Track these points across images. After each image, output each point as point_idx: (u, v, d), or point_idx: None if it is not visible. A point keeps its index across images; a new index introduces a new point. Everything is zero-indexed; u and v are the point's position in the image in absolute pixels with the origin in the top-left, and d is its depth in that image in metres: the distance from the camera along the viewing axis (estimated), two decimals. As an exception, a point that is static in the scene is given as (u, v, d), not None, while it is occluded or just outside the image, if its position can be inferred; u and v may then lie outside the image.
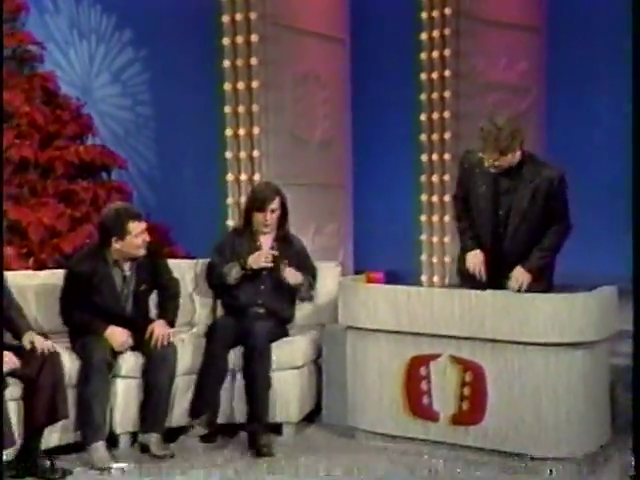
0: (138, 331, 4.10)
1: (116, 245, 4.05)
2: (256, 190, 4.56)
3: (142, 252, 4.10)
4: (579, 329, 3.70)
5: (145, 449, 4.00)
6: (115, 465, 3.75)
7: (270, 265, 4.32)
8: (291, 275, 4.34)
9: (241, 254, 4.38)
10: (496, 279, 3.95)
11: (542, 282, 3.95)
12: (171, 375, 4.07)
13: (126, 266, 4.13)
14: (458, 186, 4.16)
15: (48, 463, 3.73)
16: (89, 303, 4.07)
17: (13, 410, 3.66)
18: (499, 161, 3.83)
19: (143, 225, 4.09)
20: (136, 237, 4.04)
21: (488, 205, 3.96)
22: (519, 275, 3.89)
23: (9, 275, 4.05)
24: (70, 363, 3.89)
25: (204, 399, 4.13)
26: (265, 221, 4.38)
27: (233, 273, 4.33)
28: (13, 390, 3.65)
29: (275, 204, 4.37)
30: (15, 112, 5.24)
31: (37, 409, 3.64)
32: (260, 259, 4.31)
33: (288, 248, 4.44)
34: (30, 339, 3.67)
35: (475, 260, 4.02)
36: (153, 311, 4.30)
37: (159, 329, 4.08)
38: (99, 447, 3.86)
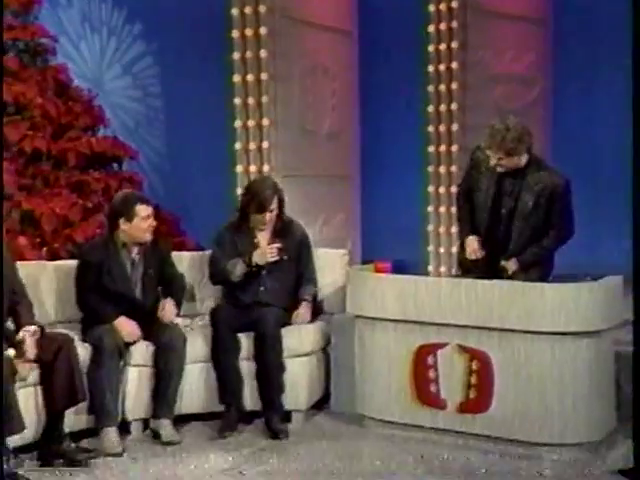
0: (148, 316, 4.16)
1: (124, 227, 4.12)
2: (254, 190, 4.34)
3: (148, 237, 4.16)
4: (585, 318, 3.69)
5: (156, 435, 4.02)
6: None
7: (276, 258, 4.27)
8: (302, 316, 4.34)
9: (241, 251, 4.33)
10: (492, 274, 3.97)
11: (533, 274, 3.97)
12: (180, 363, 4.11)
13: (134, 250, 4.20)
14: (464, 179, 4.20)
15: (73, 446, 3.77)
16: (102, 289, 4.12)
17: (31, 395, 3.70)
18: (503, 161, 3.87)
19: (150, 210, 4.17)
20: (143, 220, 4.11)
21: (490, 203, 3.99)
22: (509, 264, 3.97)
23: (22, 265, 4.06)
24: (83, 350, 3.92)
25: (227, 386, 4.15)
26: (264, 221, 4.33)
27: (237, 270, 4.28)
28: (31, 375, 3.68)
29: (274, 204, 4.31)
30: (28, 104, 5.24)
31: (56, 393, 3.69)
32: (266, 255, 4.26)
33: (288, 240, 4.38)
34: (22, 339, 3.63)
35: (472, 245, 4.04)
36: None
37: (169, 305, 4.15)
38: (111, 433, 3.89)
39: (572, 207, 4.00)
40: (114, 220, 4.16)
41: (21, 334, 3.64)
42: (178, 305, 4.28)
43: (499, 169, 3.92)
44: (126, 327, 4.07)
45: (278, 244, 4.29)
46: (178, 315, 4.26)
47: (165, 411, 4.04)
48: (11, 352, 3.60)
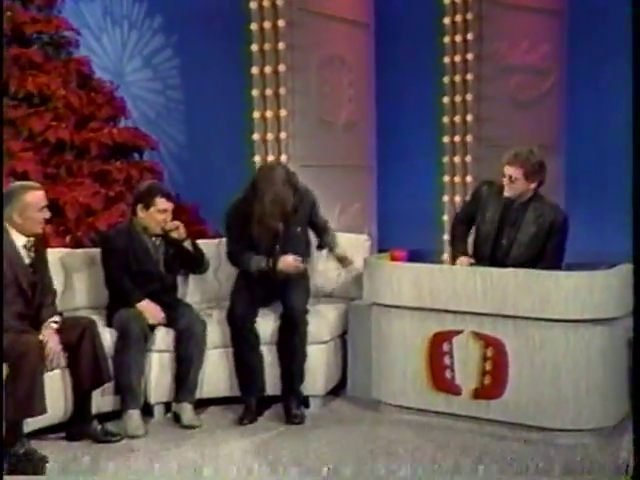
0: (169, 301, 4.21)
1: (140, 214, 4.18)
2: (272, 194, 4.08)
3: (159, 231, 4.21)
4: (599, 306, 3.67)
5: (178, 419, 4.05)
6: None
7: (299, 271, 4.21)
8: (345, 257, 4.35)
9: (257, 240, 4.19)
10: None
11: None
12: (200, 348, 4.13)
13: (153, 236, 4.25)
14: (464, 209, 4.33)
15: (100, 427, 3.83)
16: (129, 271, 4.16)
17: (59, 377, 3.74)
18: (518, 183, 3.93)
19: (168, 205, 4.19)
20: (159, 213, 4.15)
21: (493, 232, 4.04)
22: None
23: (51, 252, 4.10)
24: (108, 335, 3.97)
25: (247, 378, 4.16)
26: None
27: (261, 266, 4.19)
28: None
29: (290, 205, 4.16)
30: (52, 95, 5.25)
31: (82, 374, 3.75)
32: (290, 268, 4.18)
33: (299, 214, 4.26)
34: (46, 337, 3.66)
35: (462, 264, 4.05)
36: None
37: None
38: (134, 415, 3.93)
39: (565, 244, 4.06)
40: (134, 206, 4.23)
41: (45, 334, 3.67)
42: (197, 252, 4.31)
43: (507, 192, 3.97)
44: (150, 309, 4.10)
45: (302, 265, 4.21)
46: (196, 247, 4.32)
47: (186, 395, 4.07)
48: (42, 337, 3.64)
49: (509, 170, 3.94)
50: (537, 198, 4.04)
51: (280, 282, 4.22)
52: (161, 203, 4.16)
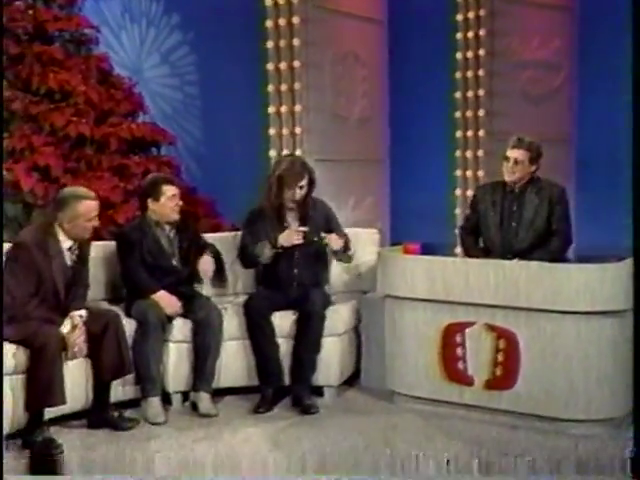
0: (186, 292, 4.21)
1: (152, 207, 4.19)
2: (284, 167, 4.22)
3: (175, 216, 4.22)
4: (609, 298, 3.65)
5: (196, 407, 4.06)
6: None
7: (301, 242, 4.19)
8: (334, 241, 4.23)
9: (270, 232, 4.24)
10: None
11: None
12: (217, 339, 4.13)
13: (167, 228, 4.25)
14: (467, 218, 4.38)
15: (117, 414, 3.85)
16: (143, 264, 4.16)
17: (82, 366, 3.77)
18: (522, 165, 3.98)
19: (176, 190, 4.23)
20: (169, 200, 4.18)
21: (498, 219, 4.10)
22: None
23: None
24: (128, 325, 3.97)
25: (264, 367, 4.16)
26: (293, 198, 4.23)
27: (265, 253, 4.22)
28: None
29: (304, 181, 4.21)
30: (73, 91, 5.26)
31: (104, 366, 3.77)
32: (291, 238, 4.19)
33: (316, 221, 4.31)
34: (71, 325, 3.69)
35: None
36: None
37: (207, 258, 4.22)
38: (154, 402, 3.95)
39: (569, 214, 4.11)
40: (144, 201, 4.24)
41: (66, 327, 3.68)
42: (220, 269, 4.33)
43: (508, 177, 4.03)
44: (166, 300, 4.11)
45: (304, 227, 4.21)
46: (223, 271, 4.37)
47: (204, 384, 4.08)
48: (64, 329, 3.65)
49: (515, 153, 3.99)
50: (534, 180, 4.09)
51: (299, 291, 4.24)
52: (169, 190, 4.19)
